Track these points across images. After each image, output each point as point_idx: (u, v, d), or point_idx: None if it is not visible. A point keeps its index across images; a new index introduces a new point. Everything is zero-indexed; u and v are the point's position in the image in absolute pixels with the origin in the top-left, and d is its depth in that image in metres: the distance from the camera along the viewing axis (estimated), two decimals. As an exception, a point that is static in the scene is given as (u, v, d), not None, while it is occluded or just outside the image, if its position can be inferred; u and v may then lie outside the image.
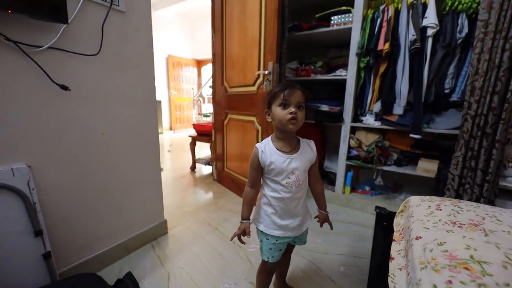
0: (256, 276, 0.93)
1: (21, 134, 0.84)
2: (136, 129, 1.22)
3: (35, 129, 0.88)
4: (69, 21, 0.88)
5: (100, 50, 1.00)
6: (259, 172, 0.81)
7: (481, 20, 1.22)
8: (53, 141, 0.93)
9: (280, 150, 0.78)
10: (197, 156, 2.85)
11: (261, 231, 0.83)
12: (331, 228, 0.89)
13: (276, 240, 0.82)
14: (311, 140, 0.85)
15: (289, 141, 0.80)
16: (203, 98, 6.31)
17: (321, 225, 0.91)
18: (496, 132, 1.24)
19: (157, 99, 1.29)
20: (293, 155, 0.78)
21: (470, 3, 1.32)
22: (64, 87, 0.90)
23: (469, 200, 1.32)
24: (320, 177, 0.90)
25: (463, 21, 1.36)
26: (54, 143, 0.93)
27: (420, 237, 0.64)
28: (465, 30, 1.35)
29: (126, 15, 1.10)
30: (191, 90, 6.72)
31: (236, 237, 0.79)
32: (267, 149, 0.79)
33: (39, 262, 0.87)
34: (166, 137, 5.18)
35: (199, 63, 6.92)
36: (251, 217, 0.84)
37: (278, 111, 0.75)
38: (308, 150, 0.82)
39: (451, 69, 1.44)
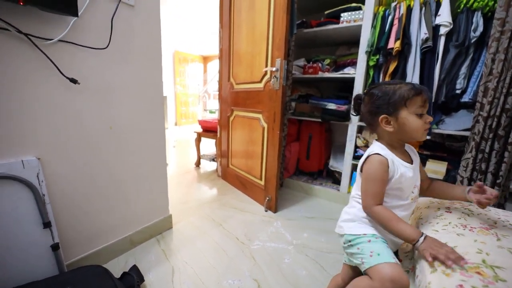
0: None
1: (31, 127, 0.85)
2: (143, 123, 1.22)
3: (44, 122, 0.88)
4: (79, 14, 0.88)
5: (109, 43, 1.00)
6: (385, 185, 0.65)
7: (497, 19, 1.19)
8: (61, 134, 0.93)
9: (403, 160, 0.66)
10: (202, 152, 2.85)
11: (361, 235, 0.68)
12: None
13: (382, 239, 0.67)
14: (410, 145, 0.75)
15: (401, 149, 0.68)
16: (209, 95, 6.31)
17: (483, 205, 0.63)
18: (508, 135, 1.21)
19: (163, 94, 1.29)
20: (413, 165, 0.66)
21: (486, 0, 1.28)
22: (74, 81, 0.91)
23: (478, 203, 1.30)
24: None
25: (478, 20, 1.32)
26: (63, 136, 0.94)
27: (430, 240, 0.63)
28: (480, 29, 1.32)
29: (135, 9, 1.09)
30: (196, 86, 6.73)
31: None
32: (394, 160, 0.65)
33: (47, 253, 0.89)
34: (171, 133, 5.21)
35: (205, 59, 6.92)
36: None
37: (413, 120, 0.62)
38: (415, 156, 0.72)
39: (463, 69, 1.40)
